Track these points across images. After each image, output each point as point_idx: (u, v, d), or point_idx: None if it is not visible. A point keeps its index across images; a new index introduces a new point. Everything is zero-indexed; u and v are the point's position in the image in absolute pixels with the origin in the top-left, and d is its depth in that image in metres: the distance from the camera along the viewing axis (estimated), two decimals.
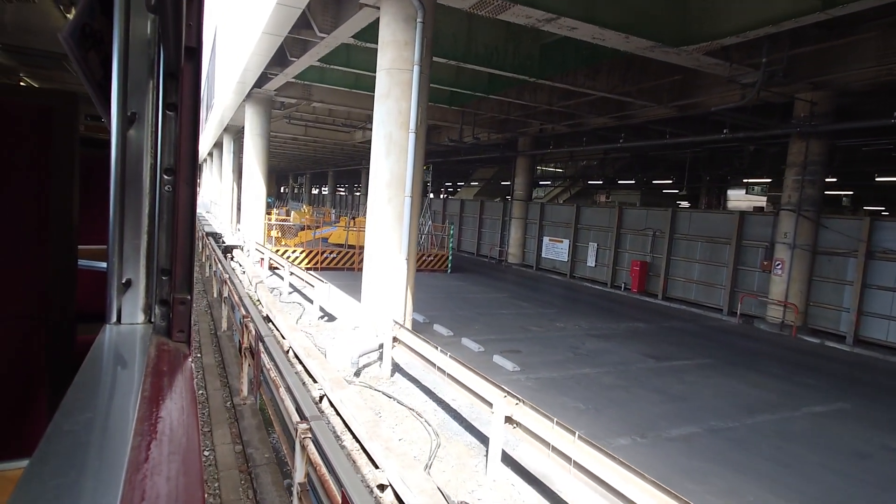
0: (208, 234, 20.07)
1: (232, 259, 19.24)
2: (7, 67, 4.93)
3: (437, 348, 6.54)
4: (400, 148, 8.88)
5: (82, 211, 1.33)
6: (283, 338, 10.01)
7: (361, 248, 19.87)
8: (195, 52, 0.99)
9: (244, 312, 6.32)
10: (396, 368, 8.40)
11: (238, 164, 31.14)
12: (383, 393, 7.31)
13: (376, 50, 15.29)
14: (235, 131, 29.83)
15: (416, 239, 9.24)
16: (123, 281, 1.00)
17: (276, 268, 16.53)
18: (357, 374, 8.28)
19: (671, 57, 11.64)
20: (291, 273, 13.62)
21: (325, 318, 11.51)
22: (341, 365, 8.72)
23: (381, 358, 8.76)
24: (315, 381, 7.77)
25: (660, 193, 31.25)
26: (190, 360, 0.98)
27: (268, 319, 11.75)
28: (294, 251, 18.30)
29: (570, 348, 10.39)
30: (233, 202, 30.59)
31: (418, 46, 8.56)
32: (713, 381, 9.04)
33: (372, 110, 21.42)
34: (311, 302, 12.18)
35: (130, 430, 0.63)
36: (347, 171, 55.44)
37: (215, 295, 11.74)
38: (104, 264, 1.03)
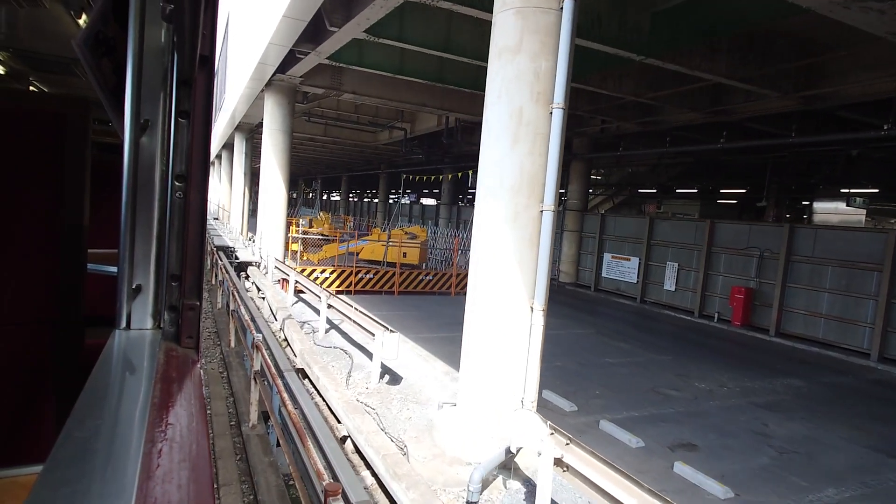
0: (218, 247, 16.81)
1: (247, 278, 15.98)
2: (17, 71, 4.76)
3: None
4: (535, 133, 5.59)
5: (90, 215, 1.32)
6: (339, 421, 6.70)
7: (402, 266, 16.59)
8: (208, 61, 0.99)
9: (316, 464, 2.98)
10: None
11: (251, 167, 27.96)
12: None
13: (446, 13, 12.14)
14: (249, 129, 26.65)
15: (550, 276, 5.93)
16: (133, 286, 0.99)
17: (302, 291, 13.25)
18: None
19: (867, 19, 8.34)
20: (330, 306, 10.31)
21: (387, 377, 8.18)
22: (439, 476, 5.41)
23: (506, 468, 5.44)
24: None
25: (715, 203, 27.92)
26: (199, 366, 0.97)
27: (303, 374, 8.48)
28: (323, 271, 14.99)
29: (759, 437, 7.02)
30: (244, 210, 27.35)
31: None
32: None
33: (411, 103, 18.17)
34: (365, 353, 8.90)
35: (141, 437, 0.63)
36: (362, 177, 52.31)
37: (232, 343, 8.42)
38: (112, 268, 1.04)
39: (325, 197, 69.50)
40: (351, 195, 62.00)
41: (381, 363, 8.20)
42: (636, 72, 14.47)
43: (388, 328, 7.68)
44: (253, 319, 6.90)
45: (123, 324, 0.98)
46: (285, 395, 4.99)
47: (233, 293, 8.18)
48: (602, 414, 7.27)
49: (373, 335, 7.81)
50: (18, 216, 1.22)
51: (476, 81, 15.74)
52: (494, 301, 5.90)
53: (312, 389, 8.01)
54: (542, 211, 5.65)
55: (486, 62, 13.55)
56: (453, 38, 12.55)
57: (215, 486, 4.51)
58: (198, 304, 1.02)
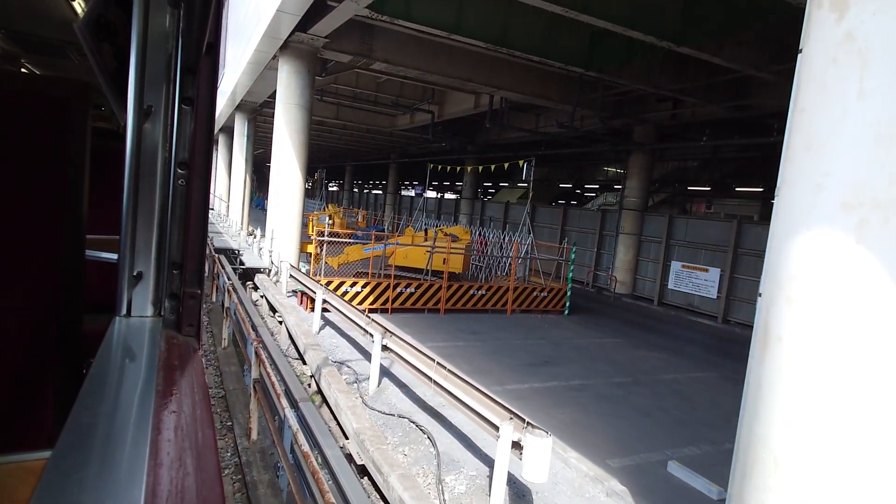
0: (218, 250, 13.54)
1: (255, 289, 12.73)
2: (9, 53, 4.65)
3: None
4: None
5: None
6: None
7: (450, 274, 13.32)
8: (213, 47, 0.97)
9: None
10: None
11: (253, 153, 24.59)
12: None
13: None
14: (251, 110, 23.28)
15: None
16: (134, 273, 0.98)
17: (328, 309, 10.04)
18: None
19: None
20: (385, 347, 7.11)
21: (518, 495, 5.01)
22: None
23: None
24: None
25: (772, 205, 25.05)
26: (200, 353, 0.96)
27: (363, 471, 5.32)
28: (353, 283, 11.77)
29: None
30: (244, 202, 24.02)
31: None
32: None
33: (452, 78, 14.40)
34: (444, 423, 5.73)
35: (148, 424, 0.63)
36: (367, 166, 48.87)
37: (254, 434, 5.14)
38: (109, 255, 1.02)
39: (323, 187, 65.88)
40: (353, 186, 58.53)
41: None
42: (756, 37, 11.34)
43: (526, 421, 4.49)
44: (309, 431, 3.70)
45: (124, 311, 0.97)
46: None
47: (257, 349, 4.90)
48: None
49: (496, 429, 4.62)
50: (18, 201, 1.16)
51: (550, 46, 12.51)
52: (841, 417, 2.75)
53: None
54: None
55: (581, 12, 9.97)
56: None
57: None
58: (199, 292, 1.01)
